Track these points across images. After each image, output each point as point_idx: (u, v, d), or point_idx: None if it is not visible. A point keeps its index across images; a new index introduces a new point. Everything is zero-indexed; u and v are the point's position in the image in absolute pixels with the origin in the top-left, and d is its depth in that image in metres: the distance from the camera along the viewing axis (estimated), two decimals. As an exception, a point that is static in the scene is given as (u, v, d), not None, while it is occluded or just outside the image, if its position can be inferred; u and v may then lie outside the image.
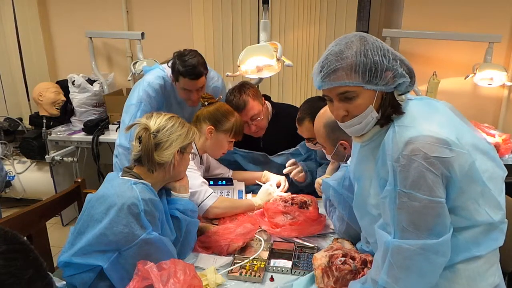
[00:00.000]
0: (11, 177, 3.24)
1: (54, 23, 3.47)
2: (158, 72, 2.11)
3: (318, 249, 1.47)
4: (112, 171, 1.74)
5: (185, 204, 1.44)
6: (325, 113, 1.55)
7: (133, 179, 1.32)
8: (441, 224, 0.99)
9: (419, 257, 0.99)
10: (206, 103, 1.90)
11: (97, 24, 3.30)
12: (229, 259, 1.45)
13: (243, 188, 2.03)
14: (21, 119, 3.47)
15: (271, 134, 2.16)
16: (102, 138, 2.92)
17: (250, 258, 1.42)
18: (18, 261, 0.71)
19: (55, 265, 1.45)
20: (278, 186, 1.96)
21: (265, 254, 1.46)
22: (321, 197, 1.69)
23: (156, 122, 1.35)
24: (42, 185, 3.20)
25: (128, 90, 2.97)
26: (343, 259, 1.29)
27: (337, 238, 1.51)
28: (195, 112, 1.94)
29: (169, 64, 2.02)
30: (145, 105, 2.01)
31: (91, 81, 3.16)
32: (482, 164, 1.02)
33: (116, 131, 2.91)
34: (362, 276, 1.23)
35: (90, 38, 3.16)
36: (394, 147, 1.02)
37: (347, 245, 1.44)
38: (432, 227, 0.98)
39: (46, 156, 2.91)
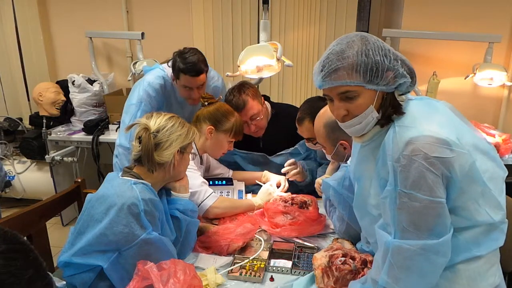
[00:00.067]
0: (11, 177, 3.24)
1: (54, 23, 3.47)
2: (158, 72, 2.11)
3: (318, 249, 1.47)
4: (112, 171, 1.74)
5: (185, 204, 1.44)
6: (325, 113, 1.55)
7: (133, 179, 1.32)
8: (441, 224, 0.99)
9: (420, 257, 0.99)
10: (206, 103, 1.90)
11: (97, 24, 3.30)
12: (229, 259, 1.45)
13: (243, 188, 2.03)
14: (21, 119, 3.47)
15: (270, 134, 2.16)
16: (102, 138, 2.92)
17: (250, 258, 1.42)
18: (18, 261, 0.71)
19: (55, 265, 1.45)
20: (278, 186, 1.96)
21: (265, 254, 1.46)
22: (321, 197, 1.69)
23: (156, 122, 1.35)
24: (42, 185, 3.20)
25: (128, 90, 2.97)
26: (343, 259, 1.29)
27: (337, 238, 1.51)
28: (195, 112, 1.94)
29: (169, 64, 2.02)
30: (145, 105, 2.01)
31: (91, 81, 3.16)
32: (482, 164, 1.02)
33: (116, 131, 2.91)
34: (362, 276, 1.23)
35: (90, 38, 3.16)
36: (395, 147, 1.01)
37: (347, 245, 1.44)
38: (433, 227, 0.98)
39: (46, 156, 2.91)
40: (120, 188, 1.26)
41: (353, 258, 1.29)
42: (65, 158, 2.94)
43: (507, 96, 2.96)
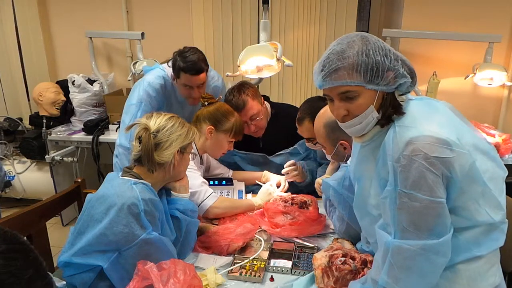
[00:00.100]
0: (11, 177, 3.24)
1: (54, 23, 3.47)
2: (159, 72, 2.11)
3: (318, 249, 1.47)
4: (112, 171, 1.74)
5: (185, 204, 1.44)
6: (325, 113, 1.55)
7: (133, 179, 1.31)
8: (441, 224, 0.99)
9: (420, 258, 0.99)
10: (206, 103, 1.90)
11: (97, 24, 3.30)
12: (229, 259, 1.45)
13: (243, 188, 2.02)
14: (21, 119, 3.47)
15: (270, 134, 2.16)
16: (102, 138, 2.92)
17: (250, 258, 1.42)
18: (18, 261, 0.71)
19: (55, 265, 1.45)
20: (278, 186, 1.96)
21: (265, 254, 1.46)
22: (321, 197, 1.69)
23: (156, 122, 1.35)
24: (42, 185, 3.20)
25: (128, 90, 2.97)
26: (343, 259, 1.28)
27: (337, 238, 1.51)
28: (195, 112, 1.94)
29: (169, 63, 2.02)
30: (145, 105, 2.01)
31: (91, 81, 3.16)
32: (482, 164, 1.02)
33: (116, 131, 2.91)
34: (362, 276, 1.23)
35: (90, 38, 3.16)
36: (395, 148, 1.01)
37: (347, 245, 1.44)
38: (433, 228, 0.98)
39: (46, 156, 2.91)
40: (120, 188, 1.26)
41: (353, 258, 1.29)
42: (65, 158, 2.94)
43: (507, 96, 2.96)
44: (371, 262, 1.26)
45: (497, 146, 2.49)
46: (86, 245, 1.21)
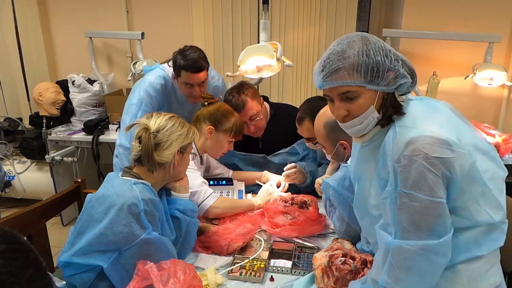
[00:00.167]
0: (11, 177, 3.24)
1: (54, 23, 3.47)
2: (159, 72, 2.11)
3: (318, 249, 1.47)
4: (112, 171, 1.74)
5: (185, 204, 1.44)
6: (325, 113, 1.55)
7: (133, 179, 1.31)
8: (441, 225, 0.99)
9: (420, 258, 0.99)
10: (206, 103, 1.90)
11: (97, 24, 3.30)
12: (229, 259, 1.45)
13: (243, 188, 2.02)
14: (21, 119, 3.47)
15: (270, 134, 2.16)
16: (102, 138, 2.92)
17: (250, 258, 1.42)
18: (18, 261, 0.71)
19: (55, 265, 1.45)
20: (278, 186, 1.96)
21: (265, 254, 1.46)
22: (321, 197, 1.69)
23: (156, 122, 1.35)
24: (42, 185, 3.19)
25: (128, 90, 2.97)
26: (343, 259, 1.28)
27: (337, 238, 1.51)
28: (195, 112, 1.94)
29: (170, 63, 2.02)
30: (146, 105, 2.01)
31: (91, 81, 3.16)
32: (482, 164, 1.02)
33: (116, 131, 2.91)
34: (362, 276, 1.23)
35: (90, 38, 3.16)
36: (395, 148, 1.01)
37: (347, 245, 1.44)
38: (433, 228, 0.98)
39: (46, 156, 2.91)
40: (120, 188, 1.26)
41: (353, 258, 1.29)
42: (65, 158, 2.94)
43: (507, 96, 2.96)
44: (371, 262, 1.26)
45: (497, 146, 2.49)
46: (86, 245, 1.21)
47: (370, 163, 1.16)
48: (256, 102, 2.04)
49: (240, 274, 1.35)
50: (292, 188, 2.00)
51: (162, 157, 1.33)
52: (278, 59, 1.92)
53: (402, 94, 1.09)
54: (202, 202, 1.67)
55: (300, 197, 1.75)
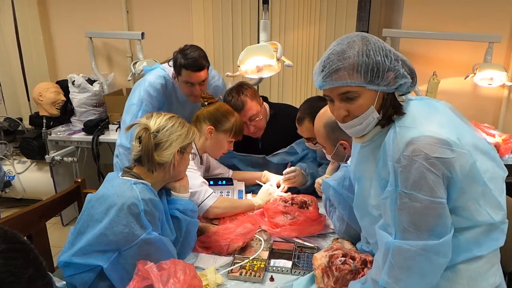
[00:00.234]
0: (11, 177, 3.24)
1: (54, 23, 3.47)
2: (159, 72, 2.11)
3: (318, 249, 1.47)
4: (112, 171, 1.74)
5: (185, 204, 1.44)
6: (325, 113, 1.55)
7: (133, 179, 1.31)
8: (442, 225, 0.99)
9: (420, 258, 0.99)
10: (206, 103, 1.90)
11: (97, 24, 3.30)
12: (229, 259, 1.45)
13: (243, 188, 2.02)
14: (21, 119, 3.47)
15: (269, 134, 2.15)
16: (102, 138, 2.92)
17: (250, 258, 1.42)
18: (18, 260, 0.71)
19: (55, 265, 1.45)
20: (278, 186, 1.96)
21: (265, 254, 1.46)
22: (321, 197, 1.69)
23: (156, 122, 1.35)
24: (42, 185, 3.19)
25: (128, 90, 2.97)
26: (343, 259, 1.28)
27: (337, 238, 1.51)
28: (195, 112, 1.94)
29: (170, 63, 2.02)
30: (146, 105, 2.01)
31: (91, 81, 3.16)
32: (482, 164, 1.02)
33: (116, 131, 2.91)
34: (362, 276, 1.23)
35: (90, 38, 3.16)
36: (395, 148, 1.01)
37: (347, 245, 1.44)
38: (433, 228, 0.98)
39: (46, 156, 2.91)
40: (120, 188, 1.26)
41: (353, 258, 1.29)
42: (65, 158, 2.94)
43: (507, 96, 2.96)
44: (371, 262, 1.26)
45: (497, 146, 2.49)
46: (86, 245, 1.21)
47: (370, 163, 1.16)
48: (256, 102, 2.04)
49: (240, 274, 1.35)
50: (292, 189, 2.00)
51: (162, 157, 1.33)
52: (278, 59, 1.91)
53: (402, 94, 1.09)
54: (202, 202, 1.67)
55: (300, 197, 1.75)
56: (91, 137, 2.91)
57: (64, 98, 3.20)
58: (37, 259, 0.75)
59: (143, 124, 1.33)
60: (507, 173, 1.09)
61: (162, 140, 1.33)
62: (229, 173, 2.12)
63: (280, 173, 2.02)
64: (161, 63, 2.19)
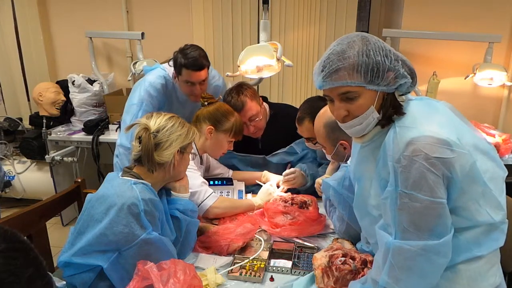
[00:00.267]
0: (11, 177, 3.24)
1: (54, 23, 3.47)
2: (160, 72, 2.11)
3: (318, 249, 1.47)
4: (113, 171, 1.74)
5: (185, 204, 1.44)
6: (325, 113, 1.54)
7: (133, 179, 1.31)
8: (442, 225, 0.99)
9: (420, 258, 0.99)
10: (206, 103, 1.90)
11: (97, 24, 3.30)
12: (229, 259, 1.45)
13: (243, 188, 2.02)
14: (21, 119, 3.47)
15: (269, 134, 2.15)
16: (102, 138, 2.92)
17: (250, 258, 1.42)
18: (18, 260, 0.71)
19: (55, 265, 1.45)
20: (278, 186, 1.96)
21: (265, 254, 1.46)
22: (321, 197, 1.69)
23: (156, 122, 1.35)
24: (42, 185, 3.19)
25: (128, 90, 2.97)
26: (343, 259, 1.28)
27: (337, 238, 1.51)
28: (195, 112, 1.94)
29: (170, 63, 2.02)
30: (146, 105, 2.01)
31: (91, 81, 3.16)
32: (482, 165, 1.02)
33: (116, 131, 2.91)
34: (362, 276, 1.23)
35: (90, 38, 3.16)
36: (395, 148, 1.01)
37: (347, 245, 1.44)
38: (433, 228, 0.98)
39: (46, 156, 2.91)
40: (120, 188, 1.26)
41: (353, 258, 1.29)
42: (65, 158, 2.94)
43: (507, 96, 2.96)
44: (371, 262, 1.26)
45: (497, 146, 2.49)
46: (86, 245, 1.21)
47: (370, 163, 1.16)
48: (256, 102, 2.04)
49: (240, 274, 1.35)
50: (292, 189, 1.99)
51: (162, 157, 1.33)
52: (278, 59, 1.91)
53: (402, 94, 1.08)
54: (202, 202, 1.67)
55: (300, 197, 1.75)
56: (91, 137, 2.91)
57: (64, 98, 3.20)
58: (37, 258, 0.75)
59: (143, 124, 1.33)
60: (507, 173, 1.09)
61: (162, 140, 1.33)
62: (229, 173, 2.12)
63: (279, 173, 2.02)
64: (161, 63, 2.19)
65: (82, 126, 3.03)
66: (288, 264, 1.40)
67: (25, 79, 3.49)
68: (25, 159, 3.26)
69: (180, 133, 1.36)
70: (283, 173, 1.97)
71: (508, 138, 2.59)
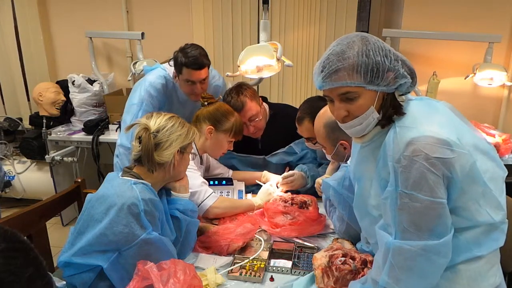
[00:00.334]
0: (11, 177, 3.24)
1: (54, 23, 3.47)
2: (160, 72, 2.11)
3: (318, 249, 1.47)
4: (113, 171, 1.74)
5: (185, 204, 1.44)
6: (325, 113, 1.55)
7: (133, 179, 1.31)
8: (442, 225, 0.99)
9: (421, 258, 0.99)
10: (206, 103, 1.90)
11: (97, 24, 3.30)
12: (229, 259, 1.45)
13: (243, 188, 2.02)
14: (21, 119, 3.47)
15: (269, 135, 2.15)
16: (102, 138, 2.92)
17: (250, 258, 1.42)
18: (18, 260, 0.71)
19: (55, 265, 1.45)
20: (278, 186, 1.96)
21: (265, 254, 1.46)
22: (321, 197, 1.69)
23: (156, 122, 1.35)
24: (42, 185, 3.19)
25: (128, 90, 2.97)
26: (343, 259, 1.28)
27: (337, 238, 1.51)
28: (195, 112, 1.94)
29: (170, 63, 2.02)
30: (146, 105, 2.01)
31: (91, 81, 3.16)
32: (482, 165, 1.02)
33: (116, 131, 2.91)
34: (362, 276, 1.23)
35: (90, 38, 3.16)
36: (395, 148, 1.01)
37: (347, 245, 1.44)
38: (433, 228, 0.98)
39: (46, 156, 2.91)
40: (120, 188, 1.26)
41: (353, 258, 1.29)
42: (65, 158, 2.94)
43: (507, 96, 2.96)
44: (371, 262, 1.26)
45: (497, 146, 2.49)
46: (86, 245, 1.21)
47: (370, 163, 1.16)
48: (255, 103, 2.04)
49: (240, 274, 1.35)
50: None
51: (162, 157, 1.33)
52: (278, 59, 1.91)
53: (402, 94, 1.08)
54: (202, 202, 1.67)
55: (300, 197, 1.75)
56: (91, 137, 2.91)
57: (64, 98, 3.20)
58: (37, 258, 0.75)
59: (143, 124, 1.33)
60: (507, 173, 1.09)
61: (162, 140, 1.33)
62: (229, 173, 2.12)
63: (279, 173, 2.02)
64: (161, 63, 2.19)
65: (82, 126, 3.03)
66: (288, 264, 1.40)
67: (25, 79, 3.49)
68: (25, 159, 3.26)
69: (180, 133, 1.36)
70: (282, 176, 1.97)
71: (508, 138, 2.59)
